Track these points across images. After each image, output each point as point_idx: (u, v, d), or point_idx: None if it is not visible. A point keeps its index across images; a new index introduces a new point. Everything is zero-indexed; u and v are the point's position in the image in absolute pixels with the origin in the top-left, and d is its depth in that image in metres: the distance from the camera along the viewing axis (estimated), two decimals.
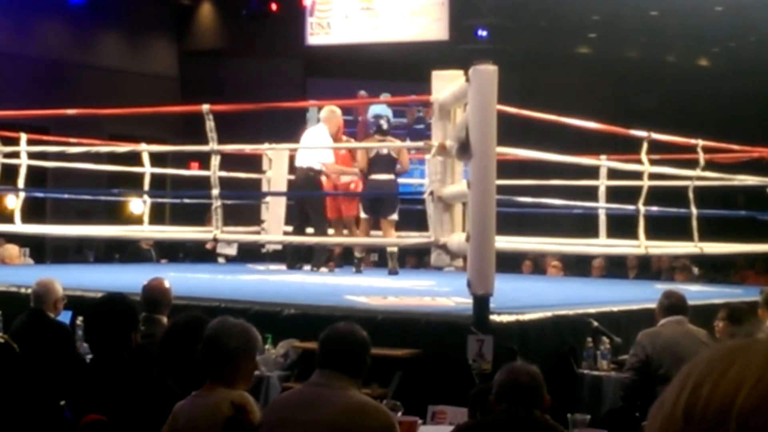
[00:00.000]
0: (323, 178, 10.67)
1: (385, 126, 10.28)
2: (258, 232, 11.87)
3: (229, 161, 10.39)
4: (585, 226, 11.53)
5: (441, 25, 16.00)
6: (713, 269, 13.67)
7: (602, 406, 6.59)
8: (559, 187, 11.26)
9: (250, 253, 13.32)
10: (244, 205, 12.96)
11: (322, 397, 3.89)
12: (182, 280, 8.31)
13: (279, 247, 11.48)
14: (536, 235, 10.07)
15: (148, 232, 11.62)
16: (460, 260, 7.94)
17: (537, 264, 14.23)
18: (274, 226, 11.46)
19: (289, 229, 11.15)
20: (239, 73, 18.00)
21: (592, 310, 7.32)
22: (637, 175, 9.47)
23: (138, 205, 12.84)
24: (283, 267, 11.06)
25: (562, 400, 5.44)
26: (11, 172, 10.54)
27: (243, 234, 11.89)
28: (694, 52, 18.04)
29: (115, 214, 14.85)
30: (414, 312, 6.92)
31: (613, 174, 10.58)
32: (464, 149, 6.63)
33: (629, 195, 9.76)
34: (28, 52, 16.49)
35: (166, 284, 6.30)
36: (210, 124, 8.74)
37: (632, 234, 9.46)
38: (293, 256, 10.97)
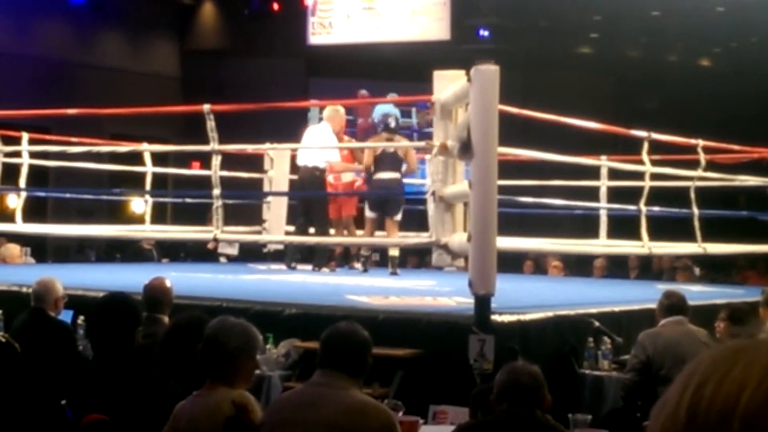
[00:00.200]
0: (330, 178, 10.68)
1: (393, 124, 10.28)
2: (259, 232, 11.87)
3: (230, 161, 10.39)
4: (586, 226, 11.53)
5: (442, 24, 16.01)
6: (714, 269, 13.66)
7: (603, 406, 6.59)
8: (561, 187, 11.27)
9: (252, 253, 13.33)
10: (245, 205, 12.96)
11: (323, 397, 3.89)
12: (183, 280, 8.31)
13: (280, 246, 11.48)
14: (537, 236, 10.07)
15: (149, 231, 11.63)
16: (461, 260, 7.94)
17: (538, 264, 14.23)
18: (275, 226, 11.46)
19: (291, 228, 11.15)
20: (241, 73, 18.00)
21: (593, 310, 7.32)
22: (638, 176, 9.47)
23: (139, 204, 12.84)
24: (284, 267, 11.06)
25: (563, 400, 5.44)
26: (12, 171, 10.55)
27: (244, 234, 11.90)
28: (695, 53, 18.04)
29: (117, 213, 14.86)
30: (415, 312, 6.92)
31: (614, 174, 10.58)
32: (466, 149, 6.63)
33: (630, 195, 9.76)
34: (29, 51, 16.50)
35: (168, 284, 6.30)
36: (211, 123, 8.74)
37: (633, 234, 9.46)
38: (292, 255, 10.95)
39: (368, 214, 10.43)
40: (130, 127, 14.57)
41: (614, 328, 7.15)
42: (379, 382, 5.82)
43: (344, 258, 12.28)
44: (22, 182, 10.45)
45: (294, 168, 10.99)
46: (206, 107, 8.74)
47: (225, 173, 9.51)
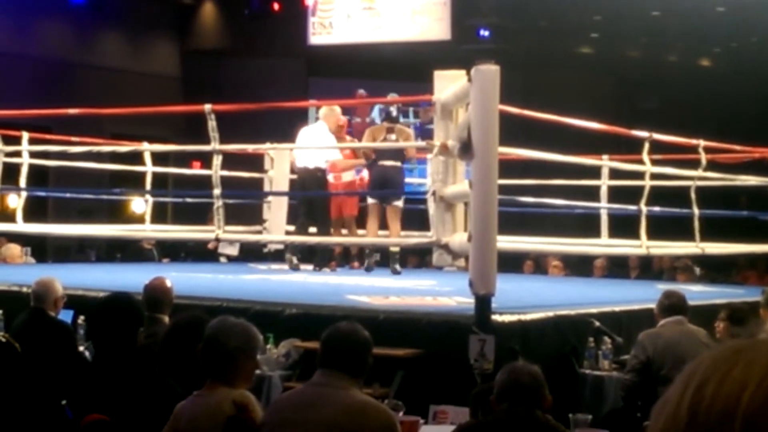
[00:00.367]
0: (330, 177, 10.68)
1: (394, 113, 10.36)
2: (260, 232, 11.87)
3: (231, 161, 10.38)
4: (586, 226, 11.53)
5: (443, 24, 16.00)
6: (715, 269, 13.66)
7: (604, 406, 6.59)
8: (561, 187, 11.26)
9: (252, 253, 13.33)
10: (246, 205, 12.96)
11: (323, 397, 3.89)
12: (184, 280, 8.31)
13: (281, 246, 11.48)
14: (538, 235, 10.07)
15: (149, 231, 11.62)
16: (462, 260, 7.94)
17: (538, 264, 14.23)
18: (275, 226, 11.46)
19: (291, 228, 11.14)
20: (241, 73, 18.00)
21: (593, 310, 7.32)
22: (639, 175, 9.47)
23: (140, 204, 12.85)
24: (285, 267, 11.05)
25: (563, 400, 5.44)
26: (13, 171, 10.54)
27: (245, 234, 11.90)
28: (695, 53, 18.04)
29: (117, 213, 14.86)
30: (416, 312, 6.92)
31: (614, 174, 10.58)
32: (466, 149, 6.63)
33: (631, 195, 9.76)
34: (29, 51, 16.50)
35: (168, 284, 6.31)
36: (212, 123, 8.74)
37: (634, 234, 9.46)
38: (292, 255, 10.87)
39: (369, 201, 10.44)
40: (131, 126, 14.57)
41: (614, 328, 7.15)
42: (380, 382, 5.82)
43: (344, 258, 12.27)
44: (23, 182, 10.45)
45: (292, 168, 10.98)
46: (207, 107, 8.74)
47: (225, 173, 9.50)
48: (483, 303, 6.29)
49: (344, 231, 10.82)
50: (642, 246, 9.31)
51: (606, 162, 10.55)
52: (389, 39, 16.39)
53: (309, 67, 18.38)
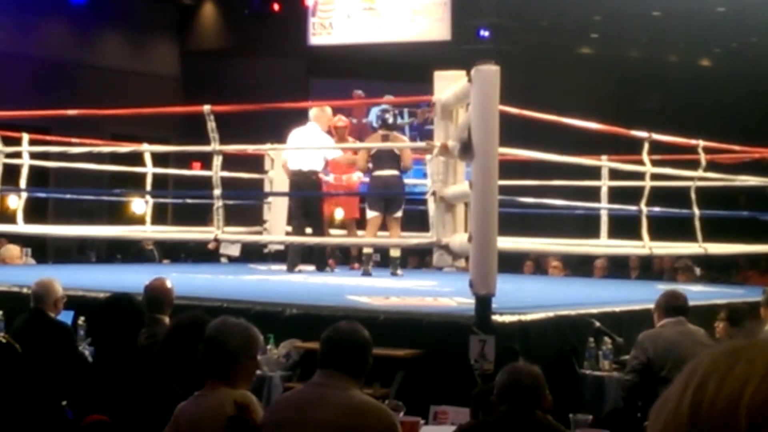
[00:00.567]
0: (330, 177, 10.66)
1: (390, 120, 10.26)
2: (260, 233, 11.87)
3: (231, 161, 10.38)
4: (587, 226, 11.54)
5: (443, 25, 16.00)
6: (715, 270, 13.66)
7: (604, 406, 6.59)
8: (561, 187, 11.26)
9: (253, 254, 13.33)
10: (246, 206, 12.96)
11: (323, 397, 3.89)
12: (184, 280, 8.32)
13: (281, 247, 11.47)
14: (538, 236, 10.08)
15: (150, 232, 11.63)
16: (462, 260, 7.94)
17: (538, 264, 14.23)
18: (276, 227, 11.46)
19: (290, 229, 11.13)
20: (241, 73, 18.00)
21: (594, 311, 7.32)
22: (639, 176, 9.47)
23: (140, 205, 12.84)
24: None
25: (563, 400, 5.44)
26: (13, 172, 10.54)
27: (245, 234, 11.90)
28: (695, 53, 18.03)
29: (117, 214, 14.86)
30: (416, 312, 6.92)
31: (614, 174, 10.58)
32: (466, 149, 6.64)
33: (631, 195, 9.76)
34: (29, 52, 16.50)
35: (168, 284, 6.31)
36: (212, 124, 8.74)
37: (634, 234, 9.46)
38: (293, 259, 10.82)
39: (370, 214, 10.33)
40: (131, 127, 14.57)
41: (615, 328, 7.15)
42: (380, 383, 5.83)
43: (344, 259, 12.25)
44: (23, 183, 10.45)
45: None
46: (207, 108, 8.74)
47: (225, 174, 9.50)
48: (483, 303, 6.29)
49: (342, 232, 10.79)
50: (645, 246, 9.32)
51: (606, 162, 10.55)
52: (389, 39, 16.39)
53: (309, 67, 18.38)
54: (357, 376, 3.99)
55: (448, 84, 7.93)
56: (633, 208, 9.39)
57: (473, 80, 6.58)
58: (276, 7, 17.54)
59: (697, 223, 9.86)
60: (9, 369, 5.11)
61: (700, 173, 9.93)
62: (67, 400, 4.88)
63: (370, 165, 10.35)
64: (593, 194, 10.60)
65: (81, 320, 7.28)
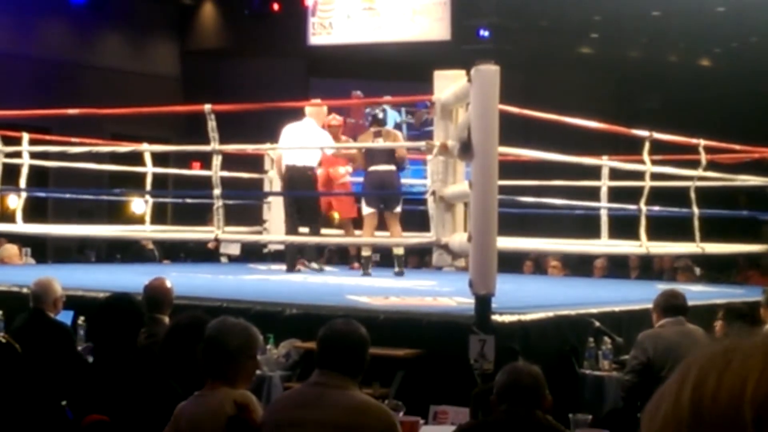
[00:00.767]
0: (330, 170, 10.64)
1: (380, 115, 10.23)
2: (260, 232, 11.87)
3: (231, 161, 10.38)
4: (586, 226, 11.53)
5: (443, 24, 16.00)
6: (715, 269, 13.66)
7: (604, 406, 6.59)
8: (561, 187, 11.26)
9: (252, 254, 13.33)
10: (246, 205, 12.96)
11: (322, 397, 3.89)
12: (184, 280, 8.32)
13: (281, 247, 11.46)
14: (538, 236, 10.07)
15: (149, 232, 11.62)
16: (461, 260, 7.94)
17: (538, 264, 14.23)
18: (276, 226, 11.45)
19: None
20: (241, 73, 18.01)
21: (593, 310, 7.32)
22: (639, 176, 9.47)
23: (140, 204, 12.85)
24: (285, 267, 11.02)
25: (563, 400, 5.44)
26: (13, 172, 10.54)
27: (245, 234, 11.90)
28: (695, 53, 18.03)
29: (117, 214, 14.86)
30: (416, 312, 6.92)
31: (614, 174, 10.58)
32: (466, 149, 6.64)
33: (631, 195, 9.76)
34: (29, 52, 16.50)
35: (168, 284, 6.31)
36: (212, 123, 8.74)
37: (634, 234, 9.45)
38: (292, 259, 10.79)
39: (366, 211, 10.28)
40: (131, 127, 14.57)
41: (615, 328, 7.15)
42: (380, 382, 5.82)
43: (343, 258, 12.23)
44: (23, 182, 10.45)
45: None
46: (207, 107, 8.74)
47: (225, 173, 9.50)
48: (483, 303, 6.29)
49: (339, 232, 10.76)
50: (642, 246, 9.31)
51: (606, 162, 10.55)
52: (389, 39, 16.39)
53: (309, 67, 18.38)
54: (355, 375, 3.99)
55: (447, 84, 7.93)
56: (633, 207, 9.39)
57: (473, 80, 6.58)
58: (276, 7, 17.54)
59: (696, 223, 9.86)
60: (9, 369, 5.10)
61: (700, 173, 9.93)
62: (67, 400, 4.88)
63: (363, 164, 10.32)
64: (593, 194, 10.59)
65: (81, 320, 7.28)
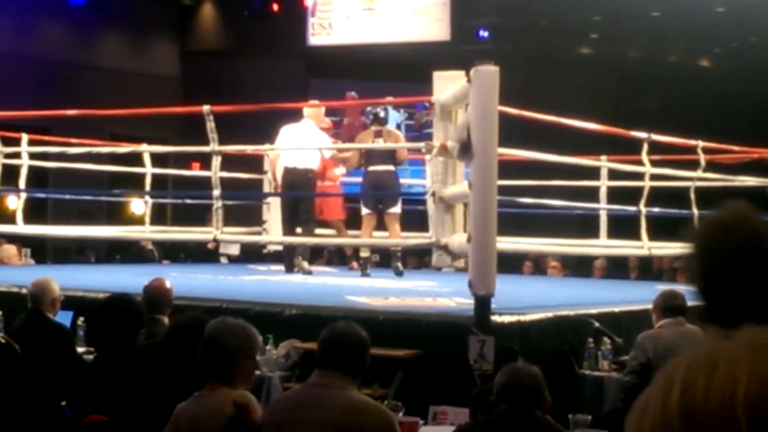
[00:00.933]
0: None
1: (382, 114, 10.19)
2: (259, 233, 11.87)
3: (230, 162, 10.38)
4: (586, 226, 11.53)
5: (442, 25, 16.00)
6: None
7: (603, 407, 6.59)
8: (560, 187, 11.26)
9: (252, 254, 13.33)
10: (245, 206, 12.96)
11: (322, 397, 3.89)
12: (184, 281, 8.32)
13: (280, 247, 11.45)
14: (537, 236, 10.07)
15: (149, 232, 11.63)
16: (460, 261, 7.94)
17: (538, 264, 14.23)
18: (275, 227, 11.45)
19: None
20: (241, 73, 18.01)
21: (593, 311, 7.32)
22: (638, 176, 9.47)
23: (139, 205, 12.85)
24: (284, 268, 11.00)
25: (563, 400, 5.44)
26: (12, 172, 10.54)
27: (244, 234, 11.90)
28: (695, 53, 18.03)
29: (117, 214, 14.86)
30: (415, 312, 6.92)
31: (614, 175, 10.58)
32: (465, 150, 6.64)
33: (630, 196, 9.75)
34: (29, 52, 16.50)
35: (168, 285, 6.31)
36: (211, 124, 8.74)
37: (633, 235, 9.45)
38: (290, 259, 10.75)
39: (364, 211, 10.24)
40: (130, 127, 14.57)
41: (614, 328, 7.15)
42: (379, 383, 5.83)
43: (340, 259, 12.21)
44: (22, 183, 10.45)
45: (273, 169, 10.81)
46: (206, 108, 8.74)
47: (225, 174, 9.50)
48: (482, 304, 6.29)
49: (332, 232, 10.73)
50: (643, 246, 9.31)
51: (605, 163, 10.55)
52: (389, 40, 16.39)
53: (309, 67, 18.38)
54: (355, 376, 3.99)
55: (447, 84, 7.93)
56: (632, 208, 9.39)
57: (472, 80, 6.58)
58: (275, 7, 17.53)
59: (696, 223, 9.85)
60: (9, 369, 5.11)
61: (699, 173, 9.93)
62: (67, 400, 4.88)
63: (362, 163, 10.30)
64: (592, 194, 10.60)
65: (80, 321, 7.28)
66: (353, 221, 10.84)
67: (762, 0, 15.63)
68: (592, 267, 13.59)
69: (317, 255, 13.00)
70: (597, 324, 7.01)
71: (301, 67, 18.38)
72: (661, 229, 9.89)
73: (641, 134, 9.39)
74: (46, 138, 11.39)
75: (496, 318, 6.33)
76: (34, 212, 12.05)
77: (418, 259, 14.19)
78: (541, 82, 17.08)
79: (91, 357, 5.84)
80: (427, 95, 8.42)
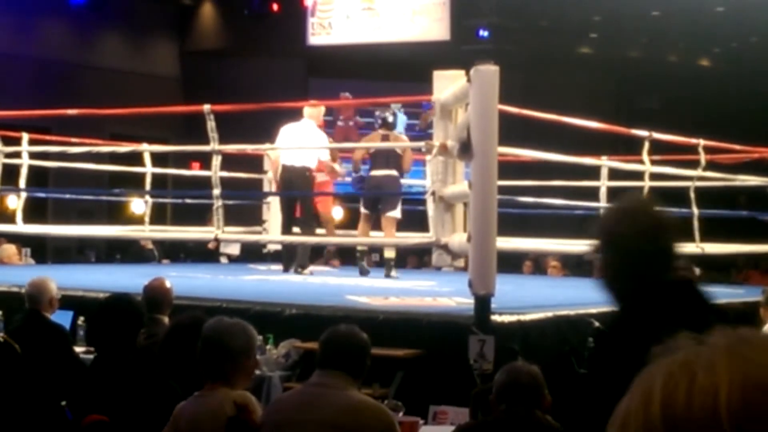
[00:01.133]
0: (321, 176, 10.61)
1: (390, 119, 10.16)
2: (259, 233, 11.86)
3: (230, 161, 10.37)
4: (586, 226, 11.51)
5: (442, 25, 16.00)
6: (715, 269, 13.66)
7: None
8: (561, 187, 11.26)
9: (252, 254, 13.33)
10: (245, 206, 12.96)
11: (322, 397, 3.89)
12: (184, 281, 8.32)
13: (280, 247, 11.46)
14: (537, 236, 10.07)
15: (149, 232, 11.62)
16: (460, 260, 7.94)
17: (538, 264, 14.23)
18: (275, 226, 11.45)
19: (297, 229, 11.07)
20: (240, 73, 18.01)
21: (593, 311, 7.31)
22: (639, 176, 9.47)
23: (139, 205, 12.85)
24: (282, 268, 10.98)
25: (563, 400, 5.43)
26: (13, 172, 10.54)
27: (244, 234, 11.89)
28: (695, 53, 18.04)
29: (117, 214, 14.86)
30: (415, 312, 6.92)
31: (614, 174, 10.58)
32: (465, 149, 6.64)
33: None
34: (29, 52, 16.50)
35: (168, 284, 6.31)
36: (211, 124, 8.74)
37: None
38: (289, 259, 10.76)
39: (362, 210, 10.27)
40: (130, 127, 14.57)
41: None
42: (380, 383, 5.83)
43: (343, 258, 12.17)
44: (22, 183, 10.45)
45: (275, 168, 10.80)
46: (206, 107, 8.74)
47: (225, 173, 9.50)
48: (482, 303, 6.29)
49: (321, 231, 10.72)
50: None
51: (605, 162, 10.55)
52: (389, 39, 16.39)
53: (309, 67, 18.38)
54: (355, 377, 3.99)
55: (447, 84, 7.93)
56: None
57: (472, 80, 6.58)
58: (275, 7, 17.54)
59: (696, 223, 9.86)
60: (9, 369, 5.11)
61: (699, 173, 9.93)
62: (67, 400, 4.88)
63: (354, 172, 10.30)
64: (593, 194, 10.59)
65: (80, 320, 7.28)
66: (353, 221, 10.86)
67: (762, 0, 15.63)
68: (592, 267, 13.56)
69: (317, 255, 13.00)
70: (597, 324, 7.01)
71: (301, 67, 18.38)
72: None
73: (642, 133, 9.39)
74: (47, 138, 11.40)
75: (496, 318, 6.33)
76: (34, 212, 12.05)
77: (418, 258, 14.18)
78: (541, 81, 17.09)
79: (91, 357, 5.84)
80: (427, 95, 8.42)
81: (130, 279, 8.08)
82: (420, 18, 16.22)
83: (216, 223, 8.94)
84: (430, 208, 7.76)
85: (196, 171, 13.69)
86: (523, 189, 10.43)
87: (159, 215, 12.76)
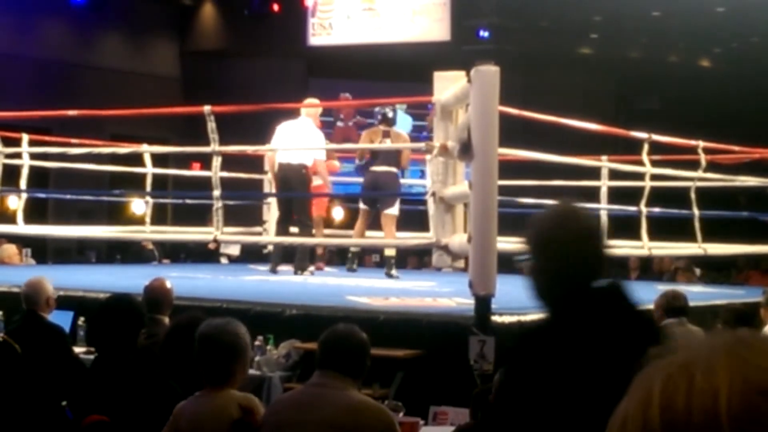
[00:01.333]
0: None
1: (390, 114, 10.17)
2: (260, 233, 11.86)
3: (230, 162, 10.37)
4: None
5: (443, 25, 16.01)
6: (715, 270, 13.66)
7: None
8: (561, 187, 11.25)
9: (253, 254, 13.33)
10: (246, 206, 12.96)
11: (322, 398, 3.89)
12: (184, 281, 8.32)
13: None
14: None
15: (149, 232, 11.62)
16: (460, 261, 7.94)
17: None
18: (275, 227, 11.44)
19: (295, 230, 11.05)
20: (241, 74, 18.00)
21: None
22: (639, 176, 9.47)
23: (140, 205, 12.85)
24: (285, 268, 10.95)
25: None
26: (13, 172, 10.55)
27: (244, 234, 11.89)
28: (695, 53, 18.03)
29: (117, 214, 14.86)
30: (415, 312, 6.92)
31: (614, 175, 10.58)
32: (466, 150, 6.64)
33: (631, 196, 9.75)
34: (29, 52, 16.50)
35: (168, 285, 6.31)
36: (211, 124, 8.74)
37: (634, 235, 9.45)
38: (280, 257, 10.65)
39: (361, 206, 10.26)
40: (131, 128, 14.56)
41: None
42: (380, 383, 5.83)
43: (310, 258, 12.02)
44: (23, 183, 10.45)
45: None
46: (206, 108, 8.74)
47: (225, 174, 9.50)
48: (483, 304, 6.29)
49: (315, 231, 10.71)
50: (644, 247, 9.31)
51: (606, 163, 10.55)
52: (389, 40, 16.40)
53: (309, 67, 18.38)
54: (355, 377, 4.00)
55: (447, 84, 7.93)
56: (633, 208, 9.39)
57: (473, 81, 6.58)
58: (276, 7, 17.54)
59: (697, 224, 9.86)
60: (9, 369, 5.11)
61: (699, 174, 9.93)
62: (67, 400, 4.88)
63: (358, 160, 10.28)
64: (593, 194, 10.59)
65: (81, 321, 7.28)
66: (353, 221, 10.85)
67: (762, 0, 15.63)
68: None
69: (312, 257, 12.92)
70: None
71: (301, 67, 18.37)
72: (661, 230, 9.89)
73: (642, 134, 9.39)
74: (47, 138, 11.39)
75: (496, 318, 6.33)
76: (35, 212, 12.05)
77: (418, 259, 14.18)
78: (541, 82, 17.09)
79: (91, 357, 5.84)
80: (428, 95, 8.42)
81: (130, 279, 8.08)
82: (420, 18, 16.22)
83: (216, 224, 8.94)
84: (431, 208, 7.76)
85: (196, 171, 13.69)
86: (523, 189, 10.42)
87: (159, 216, 12.76)
